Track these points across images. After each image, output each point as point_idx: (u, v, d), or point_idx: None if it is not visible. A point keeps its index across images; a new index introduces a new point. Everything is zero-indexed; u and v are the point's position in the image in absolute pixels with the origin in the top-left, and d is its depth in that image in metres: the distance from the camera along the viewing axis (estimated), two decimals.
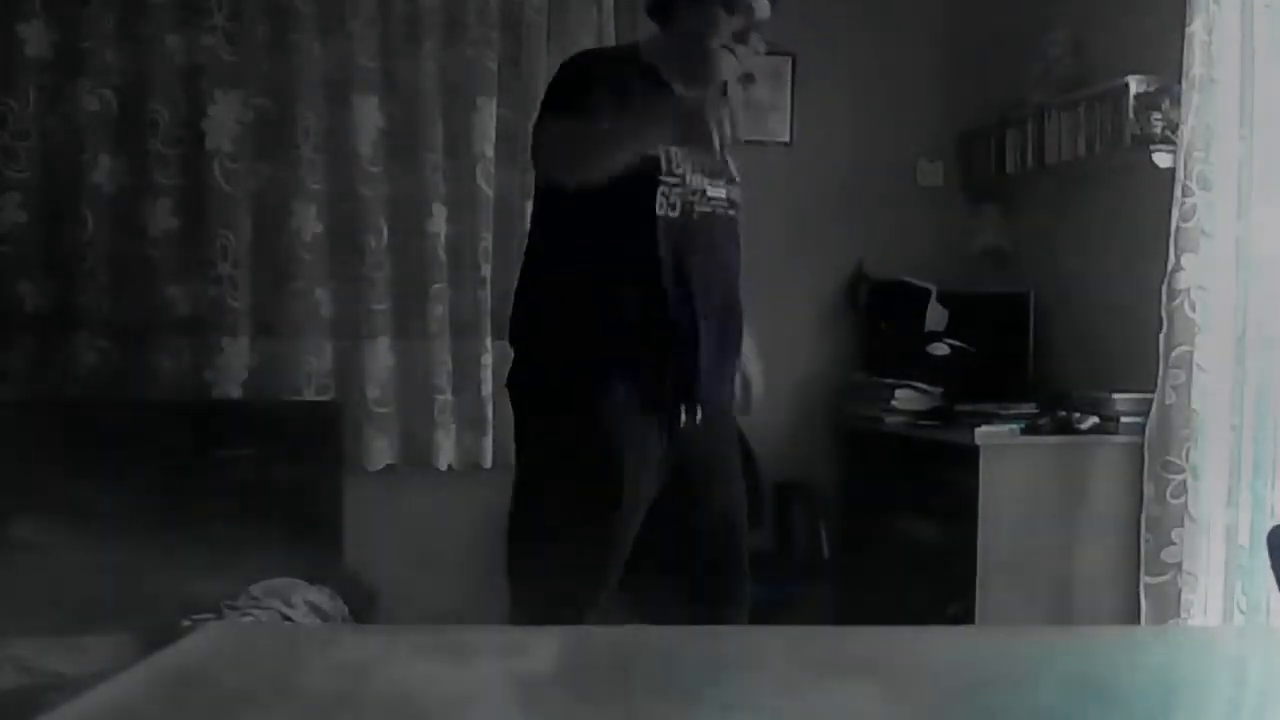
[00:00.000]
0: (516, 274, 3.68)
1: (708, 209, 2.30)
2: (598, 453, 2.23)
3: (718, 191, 2.32)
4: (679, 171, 2.25)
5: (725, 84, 2.48)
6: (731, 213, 2.36)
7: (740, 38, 2.27)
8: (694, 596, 2.38)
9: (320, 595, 2.87)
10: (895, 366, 3.77)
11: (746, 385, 2.50)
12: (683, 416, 2.30)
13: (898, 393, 3.65)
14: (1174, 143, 3.04)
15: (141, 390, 3.51)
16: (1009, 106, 3.78)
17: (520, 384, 2.36)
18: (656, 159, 2.21)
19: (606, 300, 2.23)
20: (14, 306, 3.45)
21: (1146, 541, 3.04)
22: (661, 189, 2.23)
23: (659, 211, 2.23)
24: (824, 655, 1.35)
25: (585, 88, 2.22)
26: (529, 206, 3.68)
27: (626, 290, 2.24)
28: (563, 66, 2.33)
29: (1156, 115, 3.13)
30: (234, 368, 3.56)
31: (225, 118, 3.54)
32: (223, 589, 2.73)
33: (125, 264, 3.52)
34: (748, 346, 2.46)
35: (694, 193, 2.27)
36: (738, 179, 2.39)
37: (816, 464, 3.97)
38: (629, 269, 2.24)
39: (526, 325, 2.36)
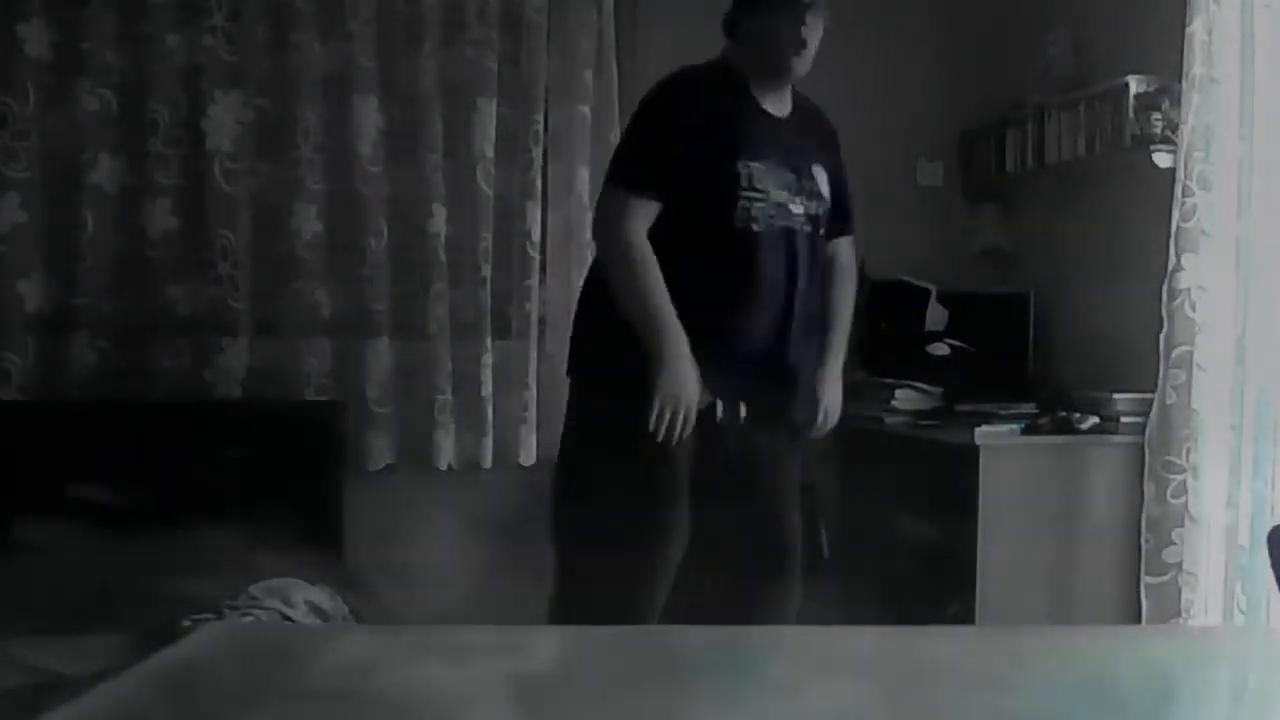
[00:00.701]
0: (516, 274, 3.71)
1: (788, 223, 2.37)
2: (652, 444, 2.28)
3: (798, 208, 2.38)
4: (760, 186, 2.33)
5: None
6: (809, 229, 2.42)
7: (799, 24, 2.34)
8: (738, 594, 2.42)
9: (320, 595, 2.86)
10: (895, 366, 3.77)
11: (815, 406, 2.48)
12: (741, 414, 2.38)
13: (898, 393, 3.65)
14: (1174, 143, 3.03)
15: (141, 390, 3.51)
16: (1009, 106, 3.78)
17: (582, 371, 2.47)
18: (738, 174, 2.30)
19: (678, 302, 2.29)
20: (14, 306, 3.45)
21: (1146, 541, 3.04)
22: (741, 203, 2.31)
23: (738, 225, 2.32)
24: (824, 655, 1.35)
25: (681, 105, 2.37)
26: (529, 206, 3.72)
27: (699, 295, 2.30)
28: (663, 81, 2.45)
29: (1156, 115, 3.13)
30: (234, 368, 3.56)
31: (225, 118, 3.54)
32: (223, 589, 2.72)
33: (125, 264, 3.52)
34: (830, 370, 2.47)
35: (776, 206, 2.35)
36: (824, 195, 2.45)
37: (816, 464, 3.97)
38: (702, 277, 2.31)
39: (590, 321, 2.46)
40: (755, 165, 2.33)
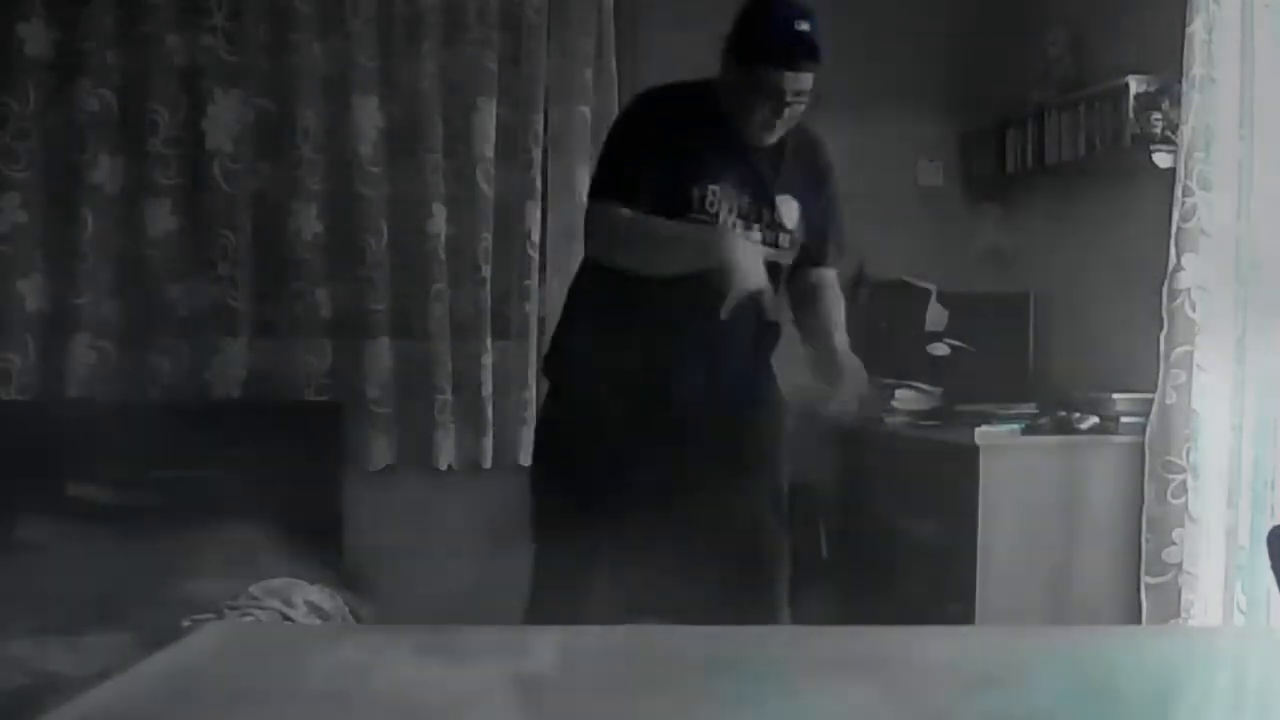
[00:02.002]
0: (516, 274, 3.71)
1: None
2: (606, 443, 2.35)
3: (749, 236, 2.36)
4: (713, 210, 2.32)
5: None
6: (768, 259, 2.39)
7: (776, 113, 2.30)
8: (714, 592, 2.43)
9: (320, 595, 2.86)
10: (895, 366, 3.77)
11: (839, 372, 2.42)
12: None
13: (898, 393, 3.65)
14: (1174, 143, 3.03)
15: (141, 390, 3.51)
16: (1009, 106, 3.78)
17: (552, 371, 2.55)
18: (691, 196, 2.30)
19: (636, 310, 2.34)
20: (14, 306, 3.45)
21: (1146, 541, 3.04)
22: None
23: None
24: (824, 655, 1.35)
25: (649, 121, 2.39)
26: (529, 206, 3.72)
27: (655, 309, 2.33)
28: (639, 95, 2.48)
29: (1156, 115, 3.13)
30: (234, 368, 3.56)
31: (225, 118, 3.55)
32: (223, 589, 2.72)
33: (125, 264, 3.52)
34: (840, 342, 2.44)
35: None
36: (789, 226, 2.42)
37: (816, 464, 3.97)
38: (656, 301, 2.32)
39: (566, 324, 2.52)
40: (713, 188, 2.33)
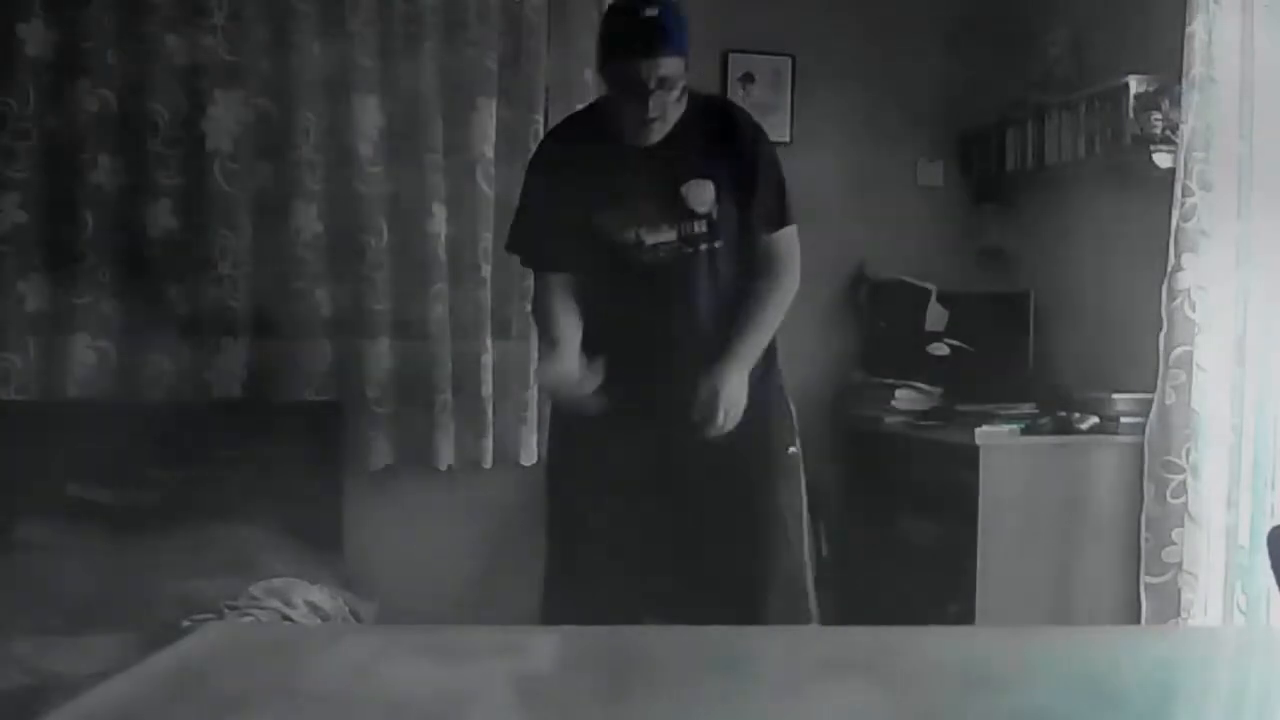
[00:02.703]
0: (516, 274, 3.71)
1: (652, 257, 2.41)
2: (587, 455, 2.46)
3: (660, 236, 2.40)
4: (604, 231, 2.40)
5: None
6: (692, 248, 2.43)
7: (643, 108, 2.34)
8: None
9: (320, 595, 2.86)
10: (895, 366, 3.77)
11: (712, 404, 2.40)
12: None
13: (898, 393, 3.65)
14: (1174, 143, 3.04)
15: (142, 390, 3.51)
16: (1009, 106, 3.78)
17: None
18: (594, 224, 2.40)
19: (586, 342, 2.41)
20: (14, 306, 3.45)
21: (1146, 541, 3.04)
22: (599, 255, 2.41)
23: (615, 272, 2.42)
24: (824, 655, 1.35)
25: (540, 169, 2.54)
26: None
27: (595, 331, 2.42)
28: (533, 155, 2.70)
29: (1156, 115, 3.13)
30: (234, 368, 3.56)
31: (225, 118, 3.54)
32: (223, 589, 2.72)
33: (125, 264, 3.52)
34: (726, 368, 2.41)
35: (633, 245, 2.40)
36: (700, 210, 2.42)
37: (817, 464, 3.97)
38: (593, 317, 2.44)
39: None
40: (602, 214, 2.40)
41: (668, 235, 2.41)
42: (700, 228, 2.43)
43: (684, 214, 2.41)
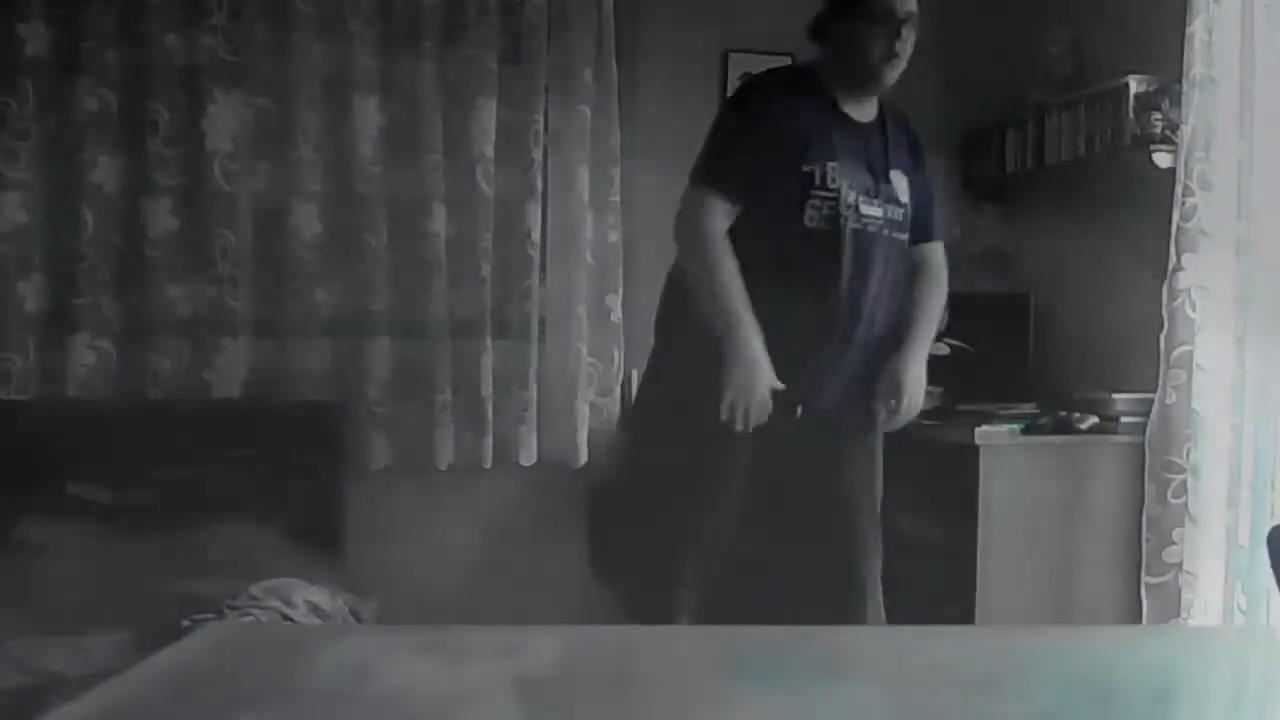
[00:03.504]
0: (516, 274, 3.70)
1: (859, 225, 2.40)
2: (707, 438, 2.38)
3: (875, 210, 2.41)
4: (833, 186, 2.37)
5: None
6: (888, 232, 2.45)
7: (894, 38, 2.41)
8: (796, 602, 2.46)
9: (320, 595, 2.86)
10: None
11: (896, 393, 2.48)
12: (797, 410, 2.42)
13: None
14: (1174, 143, 3.03)
15: (141, 390, 3.51)
16: (1009, 106, 3.78)
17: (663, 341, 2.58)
18: (811, 174, 2.35)
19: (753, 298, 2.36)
20: (14, 306, 3.45)
21: (1147, 541, 3.04)
22: (812, 202, 2.35)
23: (809, 224, 2.36)
24: (824, 655, 1.35)
25: (760, 106, 2.44)
26: (529, 206, 3.72)
27: (766, 292, 2.36)
28: (744, 83, 2.59)
29: (1156, 115, 3.13)
30: (234, 368, 3.56)
31: (225, 118, 3.54)
32: (223, 589, 2.72)
33: (125, 264, 3.52)
34: (910, 358, 2.48)
35: (847, 207, 2.38)
36: (903, 200, 2.48)
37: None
38: (770, 275, 2.37)
39: (672, 314, 2.55)
40: (830, 165, 2.38)
41: (877, 211, 2.43)
42: (900, 214, 2.48)
43: (891, 197, 2.46)
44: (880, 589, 2.56)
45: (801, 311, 2.37)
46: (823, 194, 2.36)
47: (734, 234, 2.41)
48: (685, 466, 2.40)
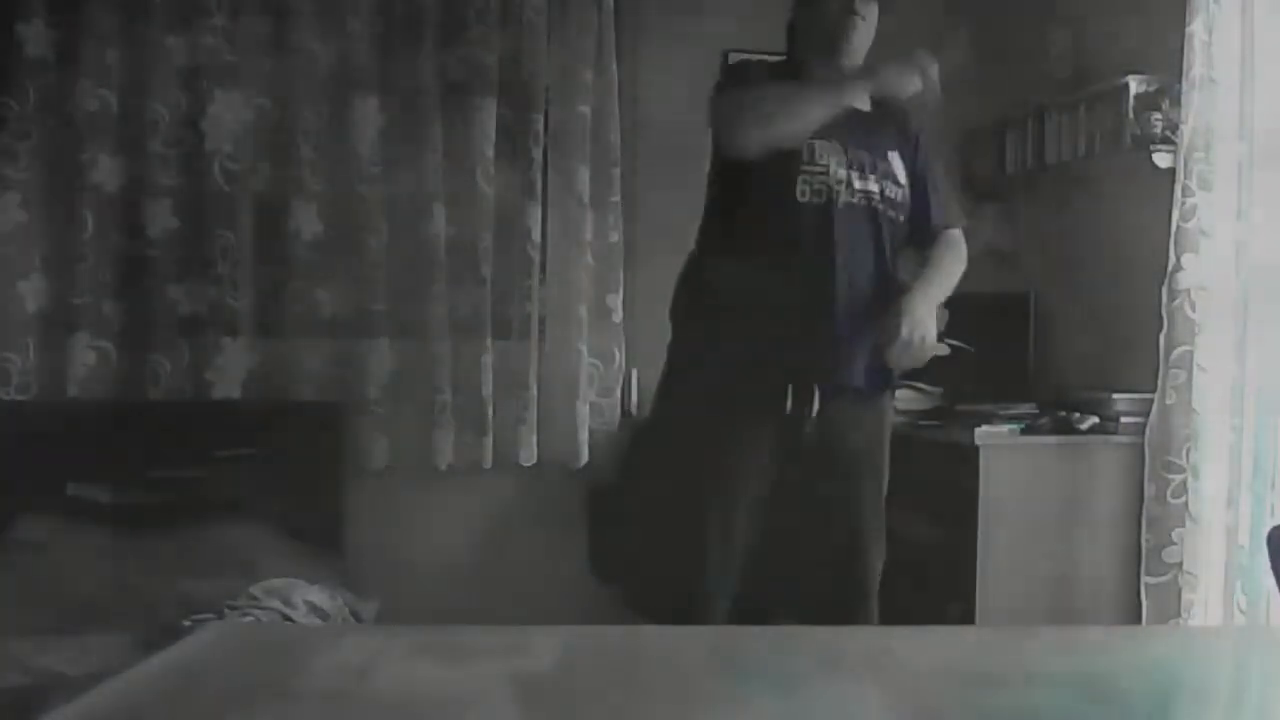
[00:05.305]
0: (516, 274, 3.72)
1: (852, 199, 2.42)
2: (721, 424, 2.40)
3: (867, 185, 2.43)
4: (822, 161, 2.39)
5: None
6: (881, 207, 2.47)
7: (846, 12, 2.46)
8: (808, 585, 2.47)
9: (320, 595, 2.86)
10: None
11: (897, 321, 2.41)
12: (814, 400, 2.42)
13: (897, 393, 3.64)
14: (1174, 143, 3.03)
15: (141, 390, 3.51)
16: (1009, 106, 3.78)
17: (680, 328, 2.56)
18: (799, 150, 2.38)
19: (743, 281, 2.39)
20: (14, 306, 3.45)
21: (1146, 541, 3.04)
22: (803, 177, 2.38)
23: (800, 199, 2.38)
24: (824, 655, 1.35)
25: (753, 73, 2.57)
26: (529, 206, 3.72)
27: (763, 273, 2.38)
28: (729, 64, 2.76)
29: (1156, 115, 3.12)
30: (234, 368, 3.56)
31: (225, 118, 3.54)
32: (223, 589, 2.72)
33: (125, 264, 3.52)
34: (918, 293, 2.45)
35: (838, 182, 2.40)
36: (901, 180, 2.50)
37: None
38: (768, 252, 2.40)
39: (685, 300, 2.56)
40: (818, 142, 2.40)
41: (873, 186, 2.45)
42: (898, 195, 2.50)
43: (888, 174, 2.49)
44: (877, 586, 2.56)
45: (797, 283, 2.40)
46: (812, 169, 2.39)
47: (730, 208, 2.46)
48: (713, 456, 2.42)
